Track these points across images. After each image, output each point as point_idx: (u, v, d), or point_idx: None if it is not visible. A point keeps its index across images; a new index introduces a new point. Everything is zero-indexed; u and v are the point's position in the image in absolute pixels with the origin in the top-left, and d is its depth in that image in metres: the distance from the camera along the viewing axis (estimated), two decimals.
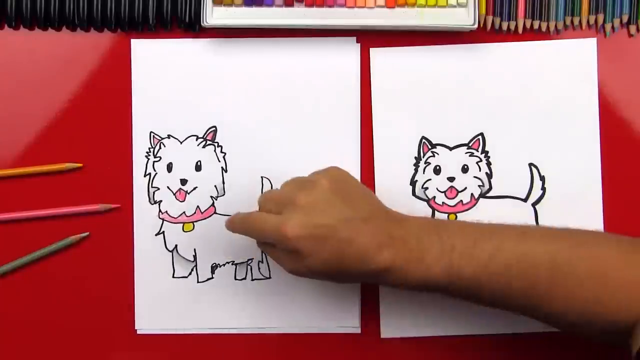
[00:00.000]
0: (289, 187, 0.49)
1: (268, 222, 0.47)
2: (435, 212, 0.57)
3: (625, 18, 0.57)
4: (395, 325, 0.57)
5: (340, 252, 0.45)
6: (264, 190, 0.57)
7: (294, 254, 0.46)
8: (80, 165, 0.57)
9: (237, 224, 0.50)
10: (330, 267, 0.45)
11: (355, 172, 0.57)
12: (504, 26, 0.57)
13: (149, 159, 0.57)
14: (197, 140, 0.57)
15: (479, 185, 0.57)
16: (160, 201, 0.57)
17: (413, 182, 0.57)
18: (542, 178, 0.57)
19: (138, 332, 0.57)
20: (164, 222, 0.57)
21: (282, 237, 0.45)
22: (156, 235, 0.57)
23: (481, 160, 0.57)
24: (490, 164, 0.57)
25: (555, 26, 0.57)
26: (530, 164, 0.57)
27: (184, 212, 0.57)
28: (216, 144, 0.57)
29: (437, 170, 0.57)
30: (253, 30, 0.57)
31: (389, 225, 0.46)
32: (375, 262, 0.44)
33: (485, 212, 0.57)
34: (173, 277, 0.57)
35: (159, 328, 0.57)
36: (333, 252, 0.45)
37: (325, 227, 0.45)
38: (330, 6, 0.56)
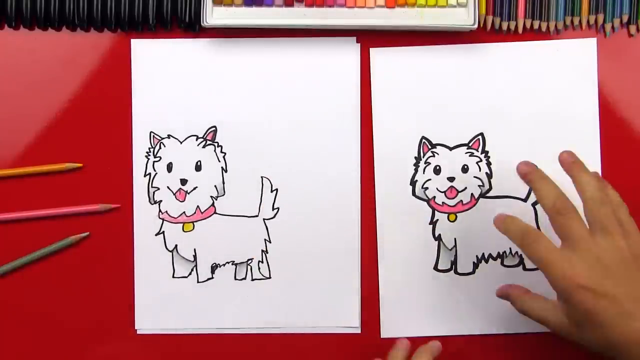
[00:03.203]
0: (599, 211, 0.46)
1: (556, 260, 0.45)
2: (435, 212, 0.57)
3: (625, 18, 0.57)
4: (395, 325, 0.57)
5: (617, 327, 0.43)
6: (264, 190, 0.57)
7: (564, 302, 0.45)
8: (80, 165, 0.57)
9: (515, 232, 0.48)
10: (590, 329, 0.44)
11: (355, 172, 0.57)
12: (504, 26, 0.57)
13: (149, 159, 0.57)
14: (197, 140, 0.57)
15: (479, 185, 0.57)
16: (160, 201, 0.57)
17: (413, 182, 0.57)
18: None
19: (138, 332, 0.57)
20: (164, 222, 0.57)
21: (566, 280, 0.44)
22: (156, 235, 0.57)
23: (481, 160, 0.57)
24: (490, 164, 0.57)
25: (555, 26, 0.57)
26: None
27: (184, 212, 0.57)
28: (216, 144, 0.57)
29: (437, 170, 0.57)
30: (253, 30, 0.57)
31: None
32: None
33: (485, 212, 0.57)
34: (173, 277, 0.57)
35: (159, 328, 0.57)
36: (606, 319, 0.43)
37: (615, 292, 0.43)
38: (330, 6, 0.56)
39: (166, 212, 0.57)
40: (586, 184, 0.47)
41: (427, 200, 0.57)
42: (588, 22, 0.57)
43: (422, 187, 0.57)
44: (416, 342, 0.57)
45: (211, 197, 0.57)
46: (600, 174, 0.57)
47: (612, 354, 0.44)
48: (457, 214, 0.57)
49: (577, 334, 0.45)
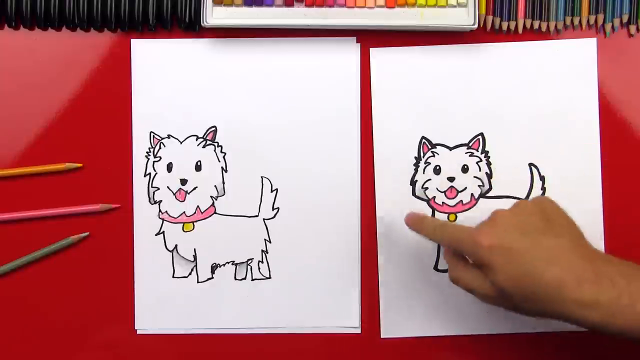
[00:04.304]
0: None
1: (463, 230, 0.47)
2: (435, 212, 0.57)
3: (625, 18, 0.57)
4: (395, 325, 0.57)
5: (534, 275, 0.42)
6: (264, 190, 0.57)
7: (484, 268, 0.44)
8: (80, 165, 0.57)
9: (428, 228, 0.50)
10: (519, 289, 0.43)
11: (355, 172, 0.57)
12: (504, 26, 0.57)
13: (149, 159, 0.57)
14: (197, 140, 0.57)
15: (479, 185, 0.57)
16: (160, 201, 0.57)
17: (413, 182, 0.57)
18: (542, 178, 0.57)
19: (138, 332, 0.57)
20: (164, 222, 0.57)
21: (476, 245, 0.44)
22: (156, 235, 0.57)
23: (481, 160, 0.57)
24: (490, 164, 0.57)
25: (555, 26, 0.57)
26: (530, 164, 0.57)
27: (184, 212, 0.57)
28: (216, 144, 0.57)
29: (437, 170, 0.57)
30: (253, 30, 0.57)
31: (595, 261, 0.42)
32: (574, 295, 0.41)
33: (485, 212, 0.56)
34: (173, 277, 0.57)
35: (159, 328, 0.57)
36: (526, 272, 0.42)
37: (522, 244, 0.43)
38: (330, 6, 0.56)
39: (166, 212, 0.57)
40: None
41: (427, 200, 0.57)
42: (588, 22, 0.57)
43: (422, 187, 0.57)
44: (416, 343, 0.57)
45: (211, 197, 0.57)
46: (600, 173, 0.57)
47: (538, 310, 0.43)
48: (457, 214, 0.57)
49: (502, 299, 0.45)
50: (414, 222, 0.52)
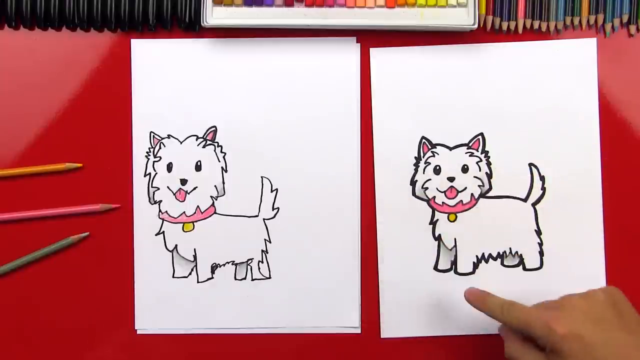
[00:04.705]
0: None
1: (532, 313, 0.46)
2: (435, 212, 0.57)
3: (625, 18, 0.57)
4: (395, 325, 0.57)
5: None
6: (264, 190, 0.57)
7: (551, 354, 0.44)
8: (80, 165, 0.57)
9: (494, 308, 0.49)
10: None
11: (355, 172, 0.57)
12: (504, 26, 0.57)
13: (149, 159, 0.57)
14: (197, 140, 0.57)
15: (479, 185, 0.57)
16: (160, 201, 0.57)
17: (413, 182, 0.57)
18: (542, 178, 0.57)
19: (138, 332, 0.57)
20: (164, 222, 0.57)
21: (549, 332, 0.44)
22: (156, 235, 0.57)
23: (481, 160, 0.57)
24: (490, 164, 0.57)
25: (555, 26, 0.57)
26: (530, 164, 0.57)
27: (184, 212, 0.57)
28: (216, 144, 0.57)
29: (437, 170, 0.57)
30: (253, 30, 0.57)
31: None
32: None
33: (485, 212, 0.57)
34: (173, 277, 0.57)
35: (159, 328, 0.57)
36: None
37: (596, 336, 0.43)
38: (330, 6, 0.56)
39: (166, 212, 0.57)
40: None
41: (427, 200, 0.57)
42: (588, 22, 0.57)
43: (422, 187, 0.57)
44: (416, 343, 0.57)
45: (211, 197, 0.57)
46: (600, 173, 0.57)
47: None
48: (457, 214, 0.57)
49: None
50: (476, 299, 0.51)
